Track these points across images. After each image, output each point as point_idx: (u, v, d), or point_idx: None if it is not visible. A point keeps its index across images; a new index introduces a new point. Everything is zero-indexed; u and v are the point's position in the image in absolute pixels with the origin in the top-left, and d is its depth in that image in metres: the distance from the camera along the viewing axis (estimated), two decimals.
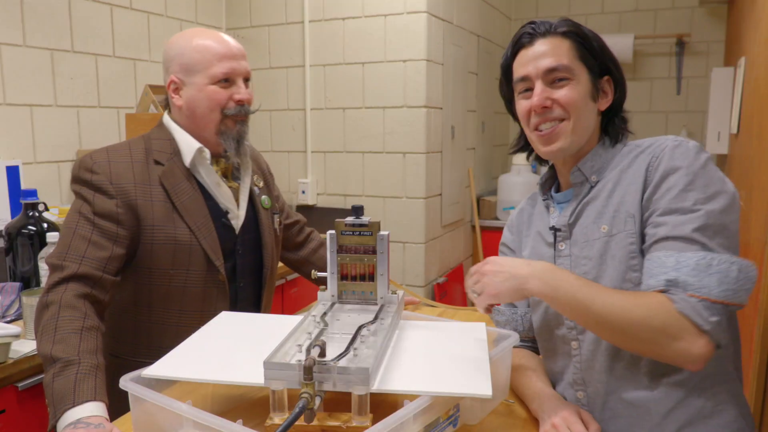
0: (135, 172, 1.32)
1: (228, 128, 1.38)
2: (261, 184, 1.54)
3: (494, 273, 1.00)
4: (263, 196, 1.52)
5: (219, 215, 1.40)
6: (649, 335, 0.91)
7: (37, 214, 1.85)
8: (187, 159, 1.36)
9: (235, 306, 1.31)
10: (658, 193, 0.98)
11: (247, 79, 1.41)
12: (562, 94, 1.05)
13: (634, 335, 0.92)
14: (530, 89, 1.08)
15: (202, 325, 1.35)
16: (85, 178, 1.30)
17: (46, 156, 2.27)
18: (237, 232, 1.43)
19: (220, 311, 1.36)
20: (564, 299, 0.96)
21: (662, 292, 0.92)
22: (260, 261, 1.49)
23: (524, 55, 1.09)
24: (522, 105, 1.10)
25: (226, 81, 1.36)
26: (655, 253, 0.95)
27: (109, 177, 1.29)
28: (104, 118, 2.51)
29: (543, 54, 1.06)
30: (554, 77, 1.06)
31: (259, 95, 3.17)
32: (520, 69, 1.10)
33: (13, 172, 2.11)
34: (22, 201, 1.84)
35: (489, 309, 1.07)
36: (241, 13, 3.14)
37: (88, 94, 2.44)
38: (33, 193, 1.85)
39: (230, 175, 1.44)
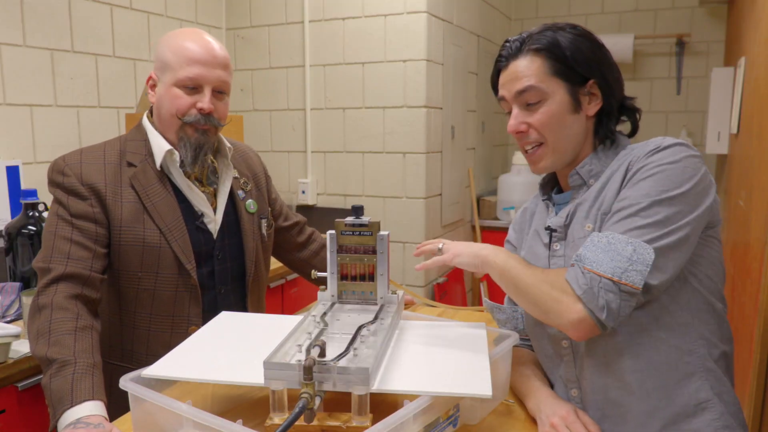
0: (107, 173, 1.32)
1: (187, 135, 1.34)
2: (249, 188, 1.50)
3: (458, 243, 1.14)
4: (249, 200, 1.48)
5: (193, 218, 1.37)
6: (540, 298, 0.99)
7: (37, 214, 1.85)
8: (158, 161, 1.34)
9: (215, 313, 1.26)
10: (626, 186, 1.01)
11: (220, 91, 1.35)
12: (536, 118, 1.07)
13: (532, 299, 1.01)
14: (510, 110, 1.11)
15: (174, 330, 1.34)
16: (57, 181, 1.30)
17: (46, 156, 2.27)
18: (215, 236, 1.40)
19: (192, 317, 1.35)
20: (498, 266, 1.05)
21: (570, 266, 0.99)
22: (244, 267, 1.46)
23: (502, 77, 1.12)
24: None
25: (193, 88, 1.32)
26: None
27: (80, 178, 1.29)
28: (104, 118, 2.51)
29: (514, 77, 1.08)
30: (525, 100, 1.07)
31: (259, 95, 3.17)
32: (499, 91, 1.13)
33: (13, 172, 2.11)
34: (22, 201, 1.84)
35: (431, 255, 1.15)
36: (241, 13, 3.14)
37: (88, 94, 2.44)
38: (33, 193, 1.85)
39: (205, 179, 1.41)
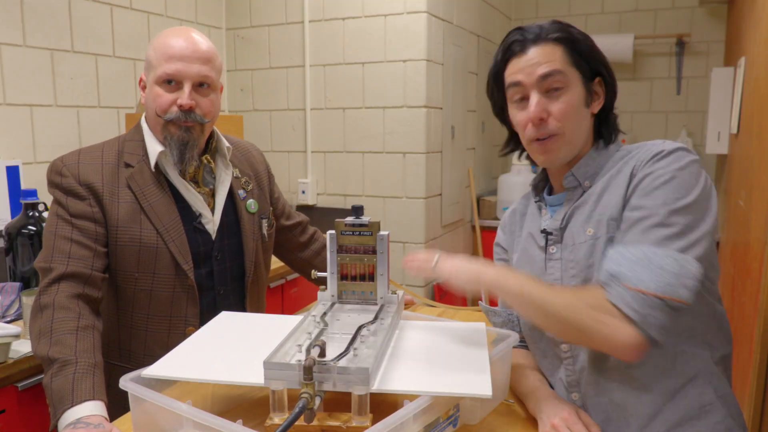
0: (104, 174, 1.31)
1: (171, 134, 1.32)
2: (250, 187, 1.49)
3: (458, 258, 1.05)
4: (249, 200, 1.47)
5: (191, 219, 1.37)
6: (582, 322, 0.93)
7: (37, 214, 1.85)
8: (152, 161, 1.34)
9: (215, 313, 1.25)
10: (635, 193, 0.99)
11: (201, 84, 1.32)
12: (557, 107, 1.04)
13: (569, 323, 0.95)
14: (524, 98, 1.07)
15: (171, 330, 1.35)
16: (55, 182, 1.30)
17: (46, 156, 2.27)
18: (213, 237, 1.40)
19: (190, 317, 1.35)
20: (513, 290, 0.99)
21: (604, 285, 0.95)
22: (243, 268, 1.46)
23: (516, 63, 1.07)
24: (518, 116, 1.09)
25: (173, 83, 1.30)
26: (610, 249, 0.98)
27: (77, 179, 1.29)
28: (104, 118, 2.51)
29: (536, 62, 1.04)
30: (549, 85, 1.04)
31: (259, 95, 3.17)
32: (512, 76, 1.07)
33: (13, 172, 2.11)
34: (22, 201, 1.84)
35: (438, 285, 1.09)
36: (241, 13, 3.14)
37: (88, 94, 2.44)
38: (33, 193, 1.85)
39: (201, 179, 1.39)
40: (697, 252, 0.93)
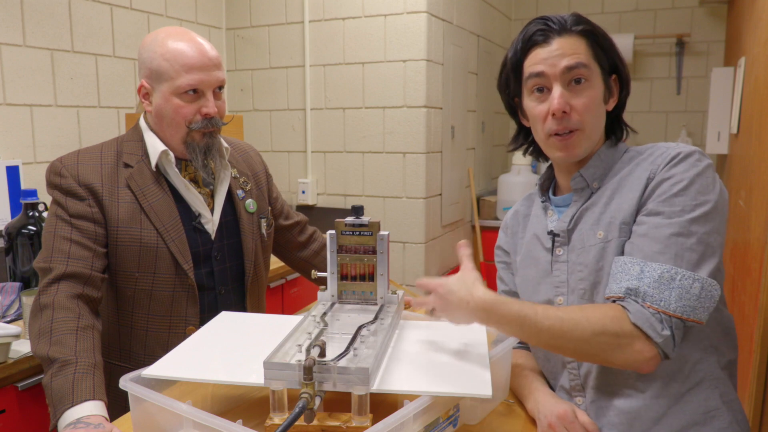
0: (103, 174, 1.32)
1: (194, 140, 1.34)
2: (248, 187, 1.49)
3: (446, 304, 0.98)
4: (248, 200, 1.48)
5: (190, 219, 1.37)
6: (602, 346, 0.93)
7: (37, 214, 1.85)
8: (153, 161, 1.34)
9: (215, 313, 1.25)
10: (651, 197, 0.98)
11: (220, 87, 1.35)
12: (580, 102, 1.02)
13: (586, 347, 0.93)
14: (543, 89, 1.05)
15: (171, 330, 1.35)
16: (55, 182, 1.31)
17: (46, 156, 2.27)
18: (212, 237, 1.40)
19: (190, 317, 1.36)
20: (509, 315, 0.94)
21: (620, 299, 0.94)
22: (243, 267, 1.46)
23: (539, 54, 1.04)
24: (537, 108, 1.06)
25: (194, 92, 1.31)
26: (624, 258, 0.97)
27: (77, 179, 1.29)
28: (104, 118, 2.51)
29: (561, 53, 1.02)
30: (573, 76, 1.02)
31: (259, 95, 3.17)
32: (534, 66, 1.04)
33: (13, 172, 2.11)
34: (22, 201, 1.84)
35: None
36: (241, 13, 3.14)
37: (88, 94, 2.44)
38: (33, 193, 1.85)
39: (200, 180, 1.40)
40: (713, 263, 0.94)
